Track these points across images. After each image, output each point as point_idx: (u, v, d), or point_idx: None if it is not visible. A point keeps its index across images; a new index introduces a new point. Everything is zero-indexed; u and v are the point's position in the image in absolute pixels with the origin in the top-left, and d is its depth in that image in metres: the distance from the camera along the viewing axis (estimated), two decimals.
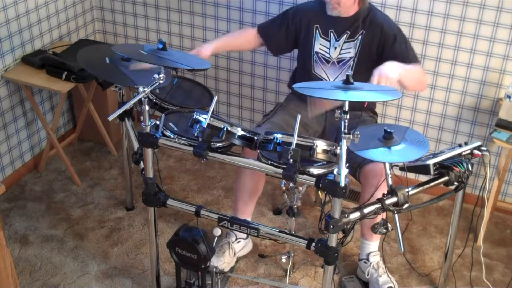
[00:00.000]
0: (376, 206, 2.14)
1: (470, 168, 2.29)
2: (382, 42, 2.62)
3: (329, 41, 2.69)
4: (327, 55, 2.71)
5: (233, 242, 2.79)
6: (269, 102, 3.51)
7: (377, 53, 2.66)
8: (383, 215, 2.24)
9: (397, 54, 2.58)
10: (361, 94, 2.04)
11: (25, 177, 3.43)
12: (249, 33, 2.88)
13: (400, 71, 2.39)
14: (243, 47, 3.02)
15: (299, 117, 2.01)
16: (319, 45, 2.72)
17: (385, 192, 2.16)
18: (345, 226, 2.09)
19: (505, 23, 2.82)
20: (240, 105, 3.63)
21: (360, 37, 2.65)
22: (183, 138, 2.22)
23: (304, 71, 2.80)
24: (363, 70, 2.60)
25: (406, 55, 2.60)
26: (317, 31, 2.71)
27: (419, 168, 2.28)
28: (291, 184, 2.45)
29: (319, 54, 2.72)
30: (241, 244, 2.83)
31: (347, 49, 2.68)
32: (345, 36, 2.66)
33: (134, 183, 3.21)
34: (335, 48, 2.69)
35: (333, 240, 2.10)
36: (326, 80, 2.73)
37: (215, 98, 2.17)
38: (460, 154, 2.32)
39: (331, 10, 2.63)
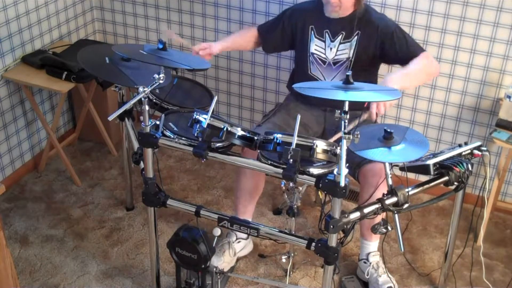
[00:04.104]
0: (376, 206, 2.14)
1: (470, 168, 2.29)
2: (380, 42, 2.62)
3: (324, 41, 2.69)
4: (323, 56, 2.70)
5: (233, 242, 2.79)
6: (269, 102, 3.51)
7: (373, 54, 2.66)
8: (383, 215, 2.24)
9: (398, 51, 2.60)
10: (361, 94, 2.04)
11: (25, 177, 3.43)
12: (252, 33, 2.88)
13: (398, 86, 2.37)
14: (248, 47, 3.03)
15: (299, 117, 2.01)
16: (315, 46, 2.71)
17: (385, 192, 2.17)
18: (345, 226, 2.09)
19: (505, 23, 2.82)
20: (240, 105, 3.63)
21: (356, 37, 2.64)
22: (183, 138, 2.22)
23: (301, 72, 2.80)
24: (359, 70, 2.61)
25: (407, 50, 2.61)
26: (312, 32, 2.71)
27: (419, 168, 2.28)
28: (291, 184, 2.45)
29: (315, 55, 2.72)
30: (241, 244, 2.83)
31: (343, 50, 2.67)
32: (340, 37, 2.66)
33: (134, 183, 3.20)
34: (331, 49, 2.68)
35: (333, 240, 2.10)
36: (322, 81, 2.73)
37: (215, 98, 2.17)
38: (460, 154, 2.32)
39: (331, 12, 2.61)
